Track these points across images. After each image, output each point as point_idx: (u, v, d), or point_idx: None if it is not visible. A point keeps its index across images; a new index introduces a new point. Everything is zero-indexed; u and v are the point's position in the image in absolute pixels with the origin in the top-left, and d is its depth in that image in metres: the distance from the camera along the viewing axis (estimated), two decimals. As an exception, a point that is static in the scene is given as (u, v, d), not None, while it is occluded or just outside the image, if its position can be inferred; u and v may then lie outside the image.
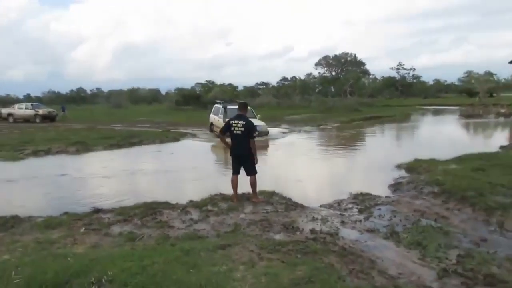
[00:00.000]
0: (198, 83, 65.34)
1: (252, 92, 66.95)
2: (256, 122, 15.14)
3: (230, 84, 60.66)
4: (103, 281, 2.94)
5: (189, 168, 10.30)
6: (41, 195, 7.54)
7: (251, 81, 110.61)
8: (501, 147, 12.16)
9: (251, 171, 6.13)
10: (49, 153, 12.74)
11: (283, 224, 4.87)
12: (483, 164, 8.35)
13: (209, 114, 19.51)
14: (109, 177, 9.16)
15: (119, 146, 14.65)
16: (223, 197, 6.28)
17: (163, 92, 78.93)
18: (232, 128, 6.08)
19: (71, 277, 3.06)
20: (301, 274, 3.20)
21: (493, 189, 6.05)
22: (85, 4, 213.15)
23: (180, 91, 55.32)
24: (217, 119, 17.42)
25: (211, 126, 18.52)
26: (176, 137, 17.41)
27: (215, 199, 6.18)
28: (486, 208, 5.35)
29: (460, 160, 9.34)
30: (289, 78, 72.75)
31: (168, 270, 3.30)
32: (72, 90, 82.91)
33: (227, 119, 12.71)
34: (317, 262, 3.47)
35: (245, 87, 71.38)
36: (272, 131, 18.49)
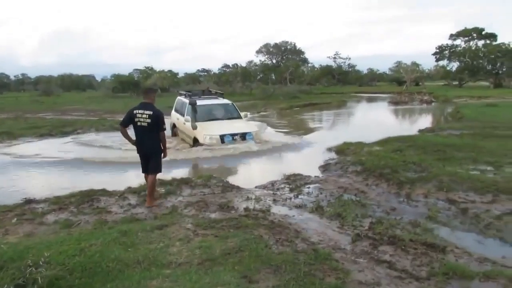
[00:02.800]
0: (136, 69, 62.80)
1: (193, 78, 65.94)
2: (244, 124, 10.98)
3: (170, 71, 59.20)
4: (40, 263, 3.02)
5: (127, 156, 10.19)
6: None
7: (192, 68, 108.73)
8: (419, 131, 13.50)
9: (155, 170, 5.32)
10: (-32, 145, 11.78)
11: (219, 204, 5.18)
12: (401, 146, 9.31)
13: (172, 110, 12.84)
14: (39, 167, 8.80)
15: (50, 135, 13.93)
16: (161, 182, 6.41)
17: (98, 78, 75.01)
18: (136, 120, 5.15)
19: (6, 263, 3.09)
20: (232, 245, 3.54)
21: (406, 167, 6.86)
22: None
23: (117, 77, 52.89)
24: (182, 120, 11.13)
25: (173, 129, 12.26)
26: (114, 126, 16.88)
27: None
28: (398, 183, 6.10)
29: (384, 142, 10.27)
30: (230, 65, 72.64)
31: (106, 250, 3.46)
32: (-8, 76, 75.36)
33: (191, 121, 10.40)
34: (247, 235, 3.84)
35: (186, 74, 70.10)
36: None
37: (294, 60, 68.22)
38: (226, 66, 74.33)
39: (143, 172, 5.55)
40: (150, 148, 5.30)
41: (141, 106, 5.23)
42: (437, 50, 56.73)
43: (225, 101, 12.36)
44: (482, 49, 48.42)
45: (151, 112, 5.14)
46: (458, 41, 54.46)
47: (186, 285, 2.78)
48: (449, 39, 55.12)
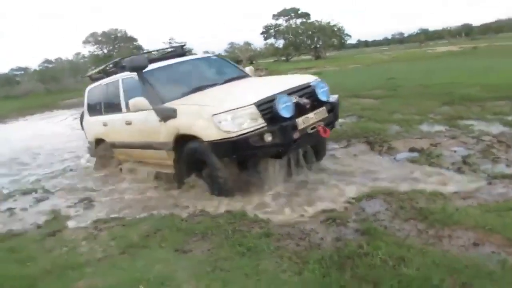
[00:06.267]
0: None
1: (8, 80, 55.65)
2: (289, 78, 5.52)
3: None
4: None
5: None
6: None
7: (4, 68, 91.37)
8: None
9: None
10: None
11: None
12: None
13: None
14: None
15: None
16: (24, 192, 5.52)
17: None
18: None
19: None
20: (147, 228, 3.43)
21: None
22: None
23: None
24: (121, 120, 5.08)
25: (95, 148, 6.15)
26: None
27: (14, 195, 5.39)
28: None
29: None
30: (53, 60, 64.02)
31: (0, 272, 2.93)
32: None
33: (153, 104, 4.36)
34: (156, 216, 3.76)
35: (-3, 75, 58.64)
36: None
37: (128, 48, 64.74)
38: (48, 61, 65.29)
39: None
40: None
41: None
42: (264, 30, 62.22)
43: (201, 56, 6.59)
44: (301, 27, 55.39)
45: None
46: (280, 21, 60.87)
47: (120, 274, 2.62)
48: (273, 19, 61.10)
